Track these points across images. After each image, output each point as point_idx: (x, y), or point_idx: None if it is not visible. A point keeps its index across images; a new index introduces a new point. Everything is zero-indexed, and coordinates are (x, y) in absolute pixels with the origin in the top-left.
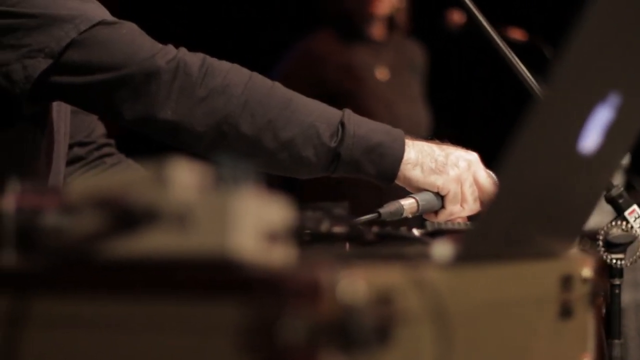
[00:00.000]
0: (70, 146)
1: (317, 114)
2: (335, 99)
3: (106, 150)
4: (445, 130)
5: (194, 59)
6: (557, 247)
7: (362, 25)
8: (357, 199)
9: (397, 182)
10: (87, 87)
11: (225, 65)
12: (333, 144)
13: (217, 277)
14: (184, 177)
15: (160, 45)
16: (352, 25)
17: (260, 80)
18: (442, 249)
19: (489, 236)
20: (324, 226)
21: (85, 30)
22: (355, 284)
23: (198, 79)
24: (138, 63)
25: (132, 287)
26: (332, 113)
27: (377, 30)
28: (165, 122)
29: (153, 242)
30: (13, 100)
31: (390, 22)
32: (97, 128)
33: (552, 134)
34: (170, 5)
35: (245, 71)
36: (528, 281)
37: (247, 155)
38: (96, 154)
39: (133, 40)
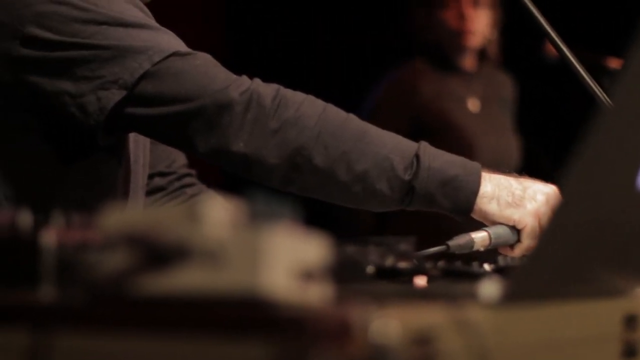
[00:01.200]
0: (151, 176)
1: (391, 146)
2: (426, 129)
3: (187, 180)
4: (538, 159)
5: (268, 90)
6: (624, 285)
7: (454, 56)
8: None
9: (473, 215)
10: (160, 119)
11: (299, 96)
12: (407, 177)
13: (246, 315)
14: (217, 214)
15: (235, 77)
16: (444, 56)
17: (334, 112)
18: (489, 286)
19: (543, 272)
20: (389, 261)
21: (158, 62)
22: (388, 323)
23: (271, 110)
24: (211, 95)
25: (161, 324)
26: (407, 145)
27: (469, 62)
28: (238, 155)
29: (184, 278)
30: (88, 132)
31: (482, 53)
32: (178, 158)
33: (608, 167)
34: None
35: (319, 102)
36: (587, 320)
37: (321, 188)
38: (177, 184)
39: (207, 72)
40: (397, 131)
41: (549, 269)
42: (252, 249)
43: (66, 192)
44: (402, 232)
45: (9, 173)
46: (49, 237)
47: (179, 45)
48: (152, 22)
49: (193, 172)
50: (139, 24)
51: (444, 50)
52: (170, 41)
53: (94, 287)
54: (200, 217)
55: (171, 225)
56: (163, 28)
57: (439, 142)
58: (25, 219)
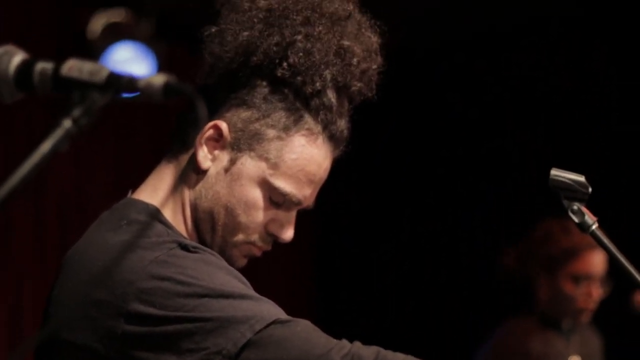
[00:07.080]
0: None
1: None
2: None
3: None
4: None
5: (368, 352)
6: None
7: (563, 317)
8: None
9: None
10: None
11: (399, 357)
12: None
13: None
14: None
15: (335, 341)
16: (556, 319)
17: None
18: None
19: None
20: None
21: (260, 330)
22: None
23: None
24: None
25: None
26: None
27: (569, 321)
28: None
29: None
30: None
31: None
32: None
33: None
34: None
35: None
36: None
37: None
38: None
39: (308, 338)
40: None
41: None
42: None
43: None
44: None
45: None
46: None
47: (279, 313)
48: (252, 292)
49: None
50: (239, 295)
51: (558, 317)
52: (270, 309)
53: None
54: None
55: None
56: (263, 297)
57: None
58: None
